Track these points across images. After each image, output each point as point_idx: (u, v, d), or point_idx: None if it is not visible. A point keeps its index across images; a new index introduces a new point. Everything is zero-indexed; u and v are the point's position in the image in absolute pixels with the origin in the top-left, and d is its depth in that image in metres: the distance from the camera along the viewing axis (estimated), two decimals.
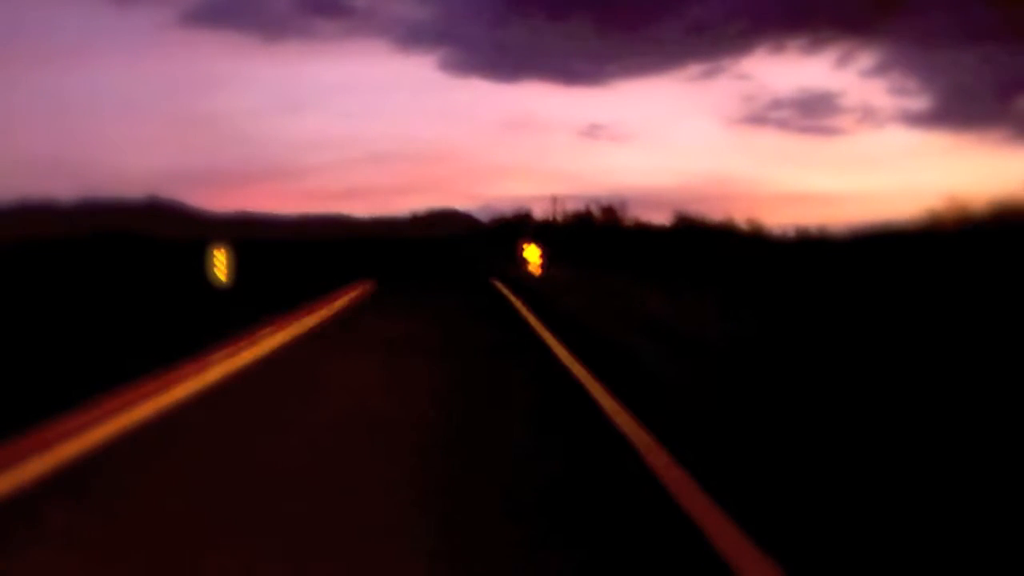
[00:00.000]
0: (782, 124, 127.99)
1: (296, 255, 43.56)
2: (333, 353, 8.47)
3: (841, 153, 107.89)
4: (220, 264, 20.83)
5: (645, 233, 34.42)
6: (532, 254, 23.48)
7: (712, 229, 33.61)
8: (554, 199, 39.50)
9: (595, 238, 33.20)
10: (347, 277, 23.64)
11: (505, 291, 17.56)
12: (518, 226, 36.03)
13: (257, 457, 4.20)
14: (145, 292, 17.45)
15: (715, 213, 34.85)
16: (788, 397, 5.81)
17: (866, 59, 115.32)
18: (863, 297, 13.40)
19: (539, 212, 39.21)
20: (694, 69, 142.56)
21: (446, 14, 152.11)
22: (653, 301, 13.90)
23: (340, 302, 15.03)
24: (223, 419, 5.24)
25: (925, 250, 18.70)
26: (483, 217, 52.10)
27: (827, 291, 14.34)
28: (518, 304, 14.18)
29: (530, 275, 22.71)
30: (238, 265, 21.71)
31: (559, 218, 40.69)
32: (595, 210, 37.98)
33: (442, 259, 37.85)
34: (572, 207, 39.60)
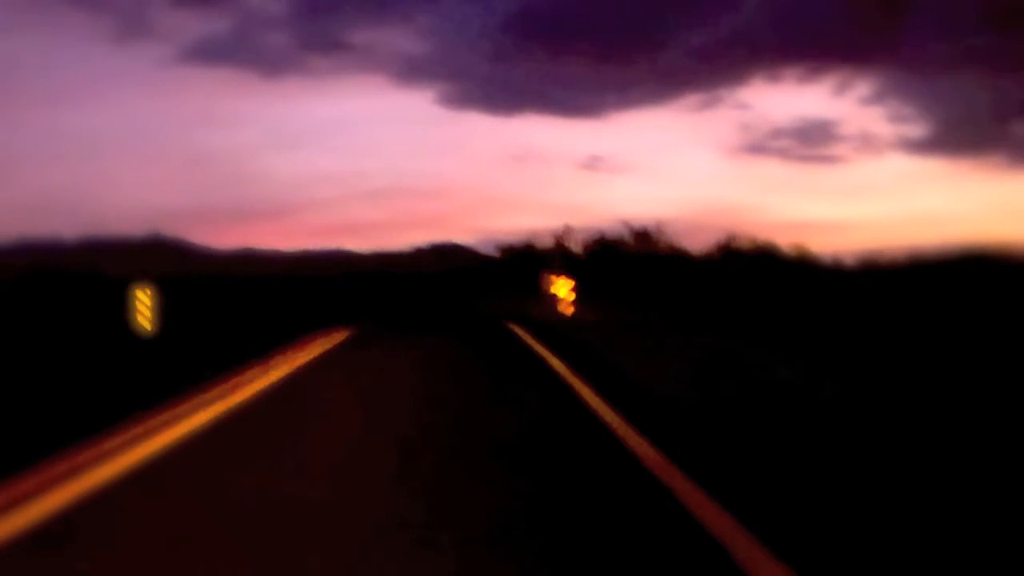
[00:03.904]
0: (781, 153, 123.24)
1: (283, 291, 38.26)
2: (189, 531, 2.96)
3: (841, 180, 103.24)
4: (143, 308, 15.41)
5: (687, 263, 28.90)
6: (563, 289, 17.98)
7: (765, 256, 28.24)
8: (567, 228, 33.92)
9: (628, 269, 27.67)
10: (325, 319, 18.13)
11: (539, 348, 11.85)
12: (534, 257, 30.53)
13: None
14: (39, 345, 11.97)
15: (719, 242, 30.06)
16: None
17: (863, 87, 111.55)
18: None
19: (545, 244, 33.62)
20: (692, 99, 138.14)
21: (443, 49, 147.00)
22: (783, 373, 8.44)
23: (283, 369, 9.53)
24: None
25: None
26: (485, 250, 47.08)
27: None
28: (583, 389, 7.68)
29: (561, 318, 17.19)
30: (173, 308, 16.34)
31: (574, 248, 35.25)
32: (626, 236, 32.39)
33: (444, 296, 32.27)
34: (579, 238, 33.97)
